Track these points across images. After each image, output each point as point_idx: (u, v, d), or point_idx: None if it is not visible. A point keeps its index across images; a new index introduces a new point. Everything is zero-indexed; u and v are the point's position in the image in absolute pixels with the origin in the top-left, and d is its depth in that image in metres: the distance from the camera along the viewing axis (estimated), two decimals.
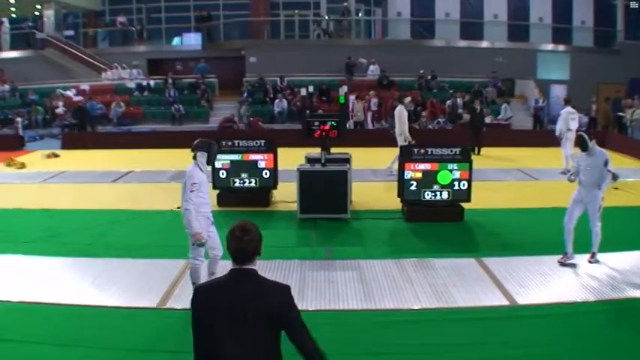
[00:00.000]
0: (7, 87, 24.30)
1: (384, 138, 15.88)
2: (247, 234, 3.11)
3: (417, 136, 13.82)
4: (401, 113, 13.51)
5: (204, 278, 6.22)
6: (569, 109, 14.01)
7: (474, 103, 18.36)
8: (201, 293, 3.20)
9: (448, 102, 21.69)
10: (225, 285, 3.15)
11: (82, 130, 20.64)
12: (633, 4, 27.18)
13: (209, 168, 7.13)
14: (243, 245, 3.09)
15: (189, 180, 6.19)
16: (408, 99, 14.76)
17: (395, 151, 13.01)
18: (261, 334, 3.08)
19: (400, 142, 13.23)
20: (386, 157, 13.45)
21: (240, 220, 3.22)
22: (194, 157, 6.42)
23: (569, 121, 13.78)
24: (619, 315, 6.25)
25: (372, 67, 24.89)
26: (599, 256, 7.77)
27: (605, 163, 7.65)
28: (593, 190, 7.66)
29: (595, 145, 7.80)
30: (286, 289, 3.18)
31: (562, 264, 7.68)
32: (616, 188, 11.02)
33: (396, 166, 13.31)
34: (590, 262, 7.68)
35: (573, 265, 7.56)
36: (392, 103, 21.49)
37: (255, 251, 3.14)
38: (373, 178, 13.36)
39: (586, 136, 7.83)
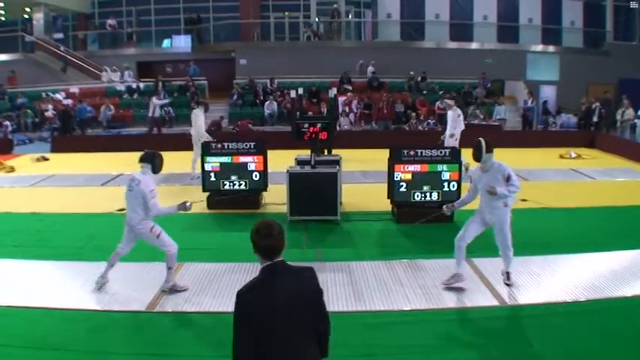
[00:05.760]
0: None
1: (368, 139, 15.93)
2: (274, 230, 3.24)
3: (405, 138, 13.69)
4: (197, 116, 13.72)
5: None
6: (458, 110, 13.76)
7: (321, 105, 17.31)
8: (245, 296, 3.22)
9: (438, 103, 21.71)
10: (266, 282, 3.24)
11: (68, 133, 20.44)
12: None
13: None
14: (273, 242, 3.23)
15: (146, 189, 6.48)
16: (205, 103, 14.93)
17: (191, 155, 13.34)
18: (308, 320, 3.26)
19: (197, 145, 13.10)
20: (376, 159, 13.40)
21: (261, 218, 3.38)
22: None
23: (457, 121, 13.50)
24: (610, 314, 6.27)
25: (369, 68, 24.71)
26: (589, 255, 7.81)
27: (508, 179, 6.43)
28: (496, 209, 6.68)
29: (492, 157, 6.53)
30: (312, 270, 3.40)
31: (447, 286, 6.93)
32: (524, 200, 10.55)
33: (197, 169, 12.43)
34: (506, 284, 6.96)
35: (558, 266, 7.48)
36: (385, 106, 21.57)
37: (284, 245, 3.28)
38: (363, 179, 13.37)
39: (483, 143, 6.45)
